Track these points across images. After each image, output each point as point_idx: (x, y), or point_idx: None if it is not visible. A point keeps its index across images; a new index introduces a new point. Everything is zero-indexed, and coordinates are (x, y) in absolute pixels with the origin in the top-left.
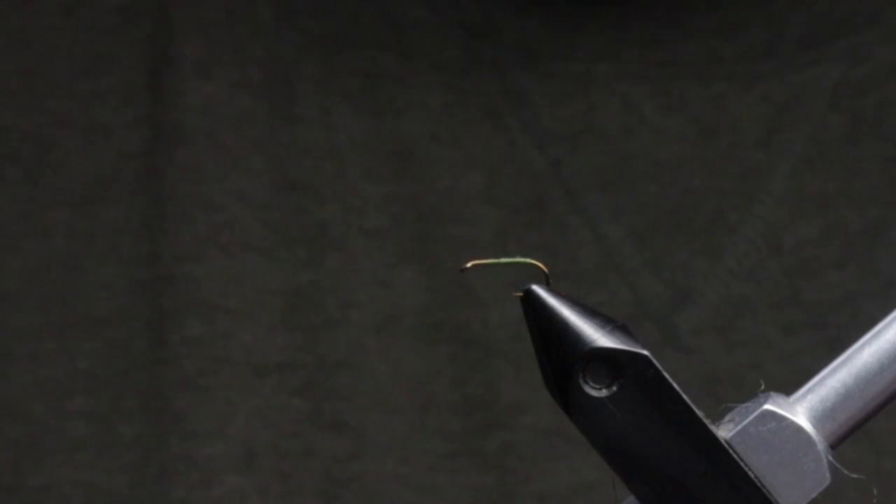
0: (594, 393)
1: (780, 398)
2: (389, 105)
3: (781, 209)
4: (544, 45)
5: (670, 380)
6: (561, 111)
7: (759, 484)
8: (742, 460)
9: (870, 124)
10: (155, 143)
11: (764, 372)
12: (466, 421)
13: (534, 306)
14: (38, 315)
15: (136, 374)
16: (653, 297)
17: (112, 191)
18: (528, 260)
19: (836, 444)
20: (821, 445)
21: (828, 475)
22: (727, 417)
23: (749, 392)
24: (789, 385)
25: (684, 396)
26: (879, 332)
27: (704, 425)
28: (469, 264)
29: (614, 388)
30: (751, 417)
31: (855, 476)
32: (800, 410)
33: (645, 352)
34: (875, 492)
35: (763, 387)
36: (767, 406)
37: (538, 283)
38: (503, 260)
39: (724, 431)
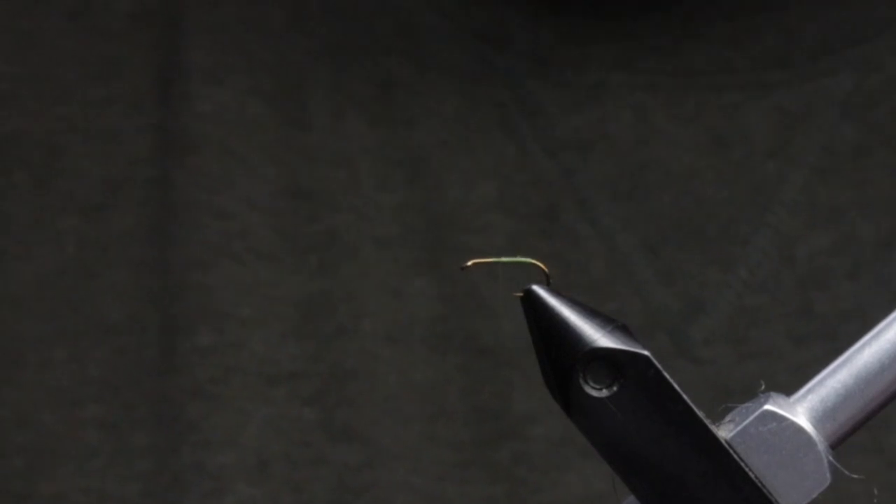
0: (594, 393)
1: (781, 398)
2: (402, 113)
3: (794, 219)
4: (557, 54)
5: (671, 380)
6: (574, 120)
7: (759, 484)
8: (742, 460)
9: (882, 134)
10: (165, 150)
11: (775, 382)
12: (477, 431)
13: (534, 306)
14: (49, 322)
15: (147, 382)
16: (665, 308)
17: (122, 197)
18: (529, 260)
19: (836, 445)
20: (821, 446)
21: (828, 475)
22: (727, 418)
23: None
24: None
25: (684, 397)
26: (879, 332)
27: (705, 425)
28: (470, 262)
29: (615, 389)
30: (751, 418)
31: (856, 476)
32: (800, 411)
33: (645, 352)
34: (875, 492)
35: (763, 387)
36: (768, 406)
37: (538, 283)
38: (504, 259)
39: (724, 432)
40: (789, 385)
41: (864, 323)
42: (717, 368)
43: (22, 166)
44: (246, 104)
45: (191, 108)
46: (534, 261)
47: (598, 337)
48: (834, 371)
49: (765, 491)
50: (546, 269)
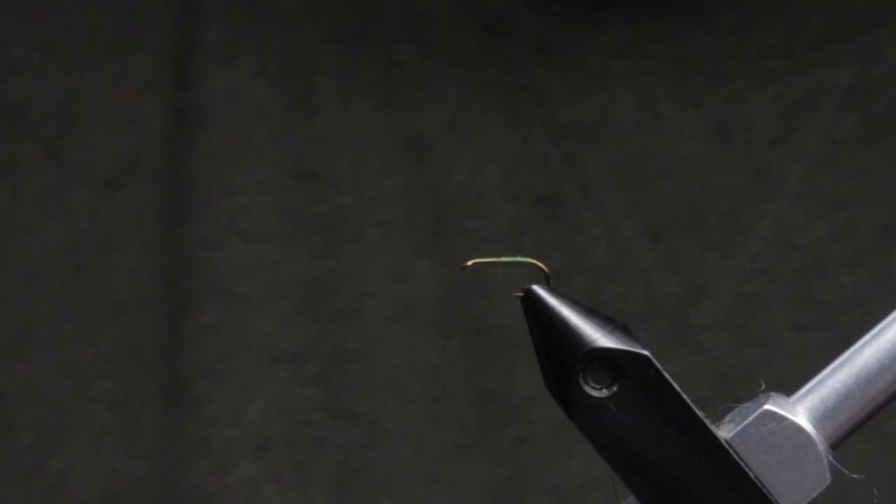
0: (594, 393)
1: (781, 398)
2: (407, 97)
3: (795, 208)
4: (562, 40)
5: (670, 380)
6: (577, 106)
7: (759, 484)
8: (742, 460)
9: (884, 124)
10: (178, 128)
11: (776, 370)
12: (480, 413)
13: (534, 306)
14: (60, 297)
15: (156, 360)
16: (666, 294)
17: (135, 174)
18: (529, 260)
19: (836, 445)
20: (821, 445)
21: (828, 475)
22: (727, 418)
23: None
24: (800, 384)
25: (684, 396)
26: (879, 332)
27: (705, 425)
28: (469, 262)
29: (615, 389)
30: (751, 418)
31: (856, 476)
32: (800, 411)
33: (645, 352)
34: (875, 492)
35: (763, 387)
36: (768, 406)
37: (538, 283)
38: (504, 259)
39: (724, 431)
40: (789, 373)
41: (864, 312)
42: (717, 355)
43: (33, 136)
44: (254, 86)
45: (203, 86)
46: (534, 261)
47: (598, 337)
48: (834, 371)
49: (765, 491)
50: (546, 269)
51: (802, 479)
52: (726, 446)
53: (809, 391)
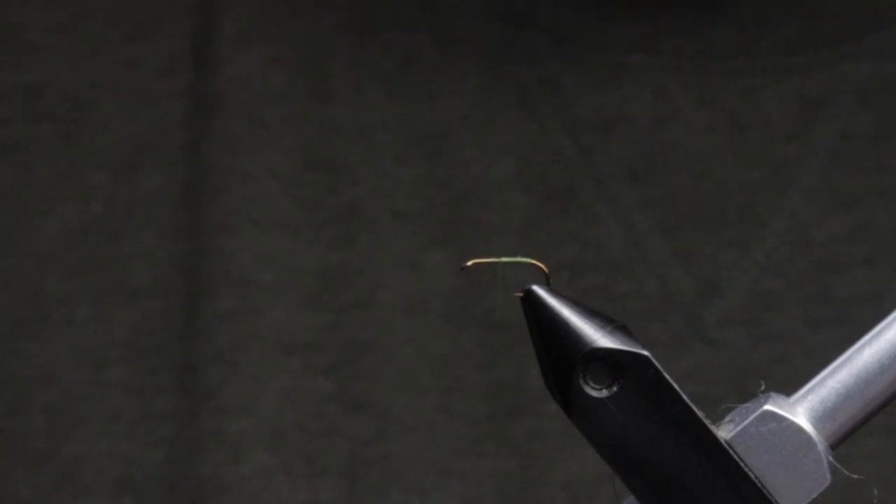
0: (594, 393)
1: (781, 398)
2: (422, 88)
3: (811, 204)
4: (579, 33)
5: (670, 380)
6: (593, 100)
7: (759, 484)
8: (742, 461)
9: None
10: (195, 113)
11: (790, 366)
12: (493, 405)
13: (534, 306)
14: (74, 281)
15: (172, 346)
16: (680, 289)
17: (152, 158)
18: (529, 260)
19: (836, 445)
20: (821, 446)
21: (828, 475)
22: (727, 418)
23: (775, 386)
24: None
25: (684, 397)
26: (879, 332)
27: (704, 426)
28: (469, 263)
29: (614, 389)
30: (751, 418)
31: (856, 476)
32: (800, 411)
33: (645, 352)
34: (875, 492)
35: (763, 387)
36: (767, 406)
37: (538, 283)
38: (504, 259)
39: (724, 432)
40: (804, 369)
41: (880, 308)
42: (731, 351)
43: (49, 119)
44: (270, 73)
45: (220, 72)
46: (534, 261)
47: (598, 337)
48: (834, 371)
49: (765, 491)
50: (546, 270)
51: (802, 480)
52: (726, 446)
53: (809, 391)
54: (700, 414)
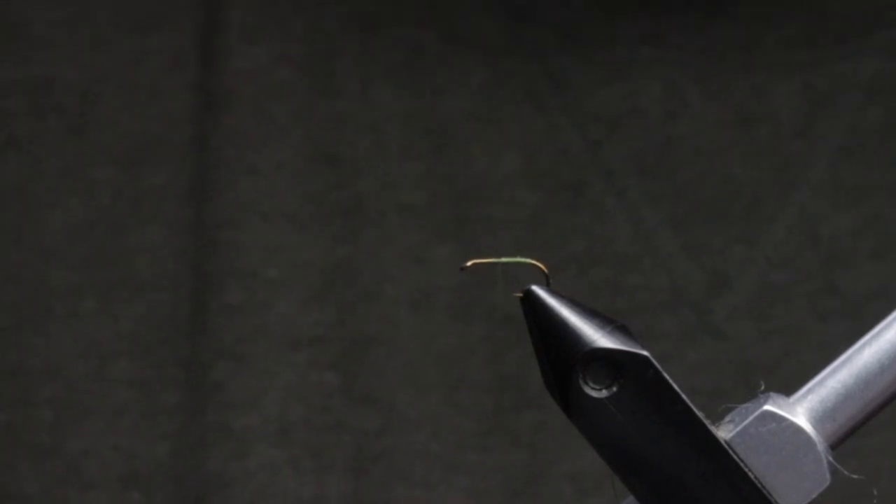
0: (594, 394)
1: (780, 399)
2: (429, 83)
3: (819, 199)
4: (587, 28)
5: (670, 380)
6: (602, 94)
7: (759, 484)
8: (742, 461)
9: None
10: (203, 108)
11: (798, 360)
12: (499, 399)
13: (534, 307)
14: (80, 274)
15: (178, 340)
16: (689, 283)
17: (159, 152)
18: (529, 260)
19: (836, 445)
20: (821, 446)
21: (828, 476)
22: (727, 418)
23: (783, 379)
24: None
25: (684, 397)
26: (879, 332)
27: (704, 426)
28: (469, 263)
29: (614, 389)
30: (751, 418)
31: (856, 477)
32: (800, 411)
33: (645, 352)
34: (875, 492)
35: (763, 387)
36: (767, 407)
37: (538, 283)
38: (504, 259)
39: (723, 432)
40: (812, 362)
41: (887, 302)
42: (740, 344)
43: (56, 113)
44: (277, 68)
45: (228, 66)
46: (534, 261)
47: (598, 337)
48: (834, 371)
49: (764, 491)
50: (546, 270)
51: (802, 480)
52: (726, 447)
53: (809, 391)
54: (700, 414)
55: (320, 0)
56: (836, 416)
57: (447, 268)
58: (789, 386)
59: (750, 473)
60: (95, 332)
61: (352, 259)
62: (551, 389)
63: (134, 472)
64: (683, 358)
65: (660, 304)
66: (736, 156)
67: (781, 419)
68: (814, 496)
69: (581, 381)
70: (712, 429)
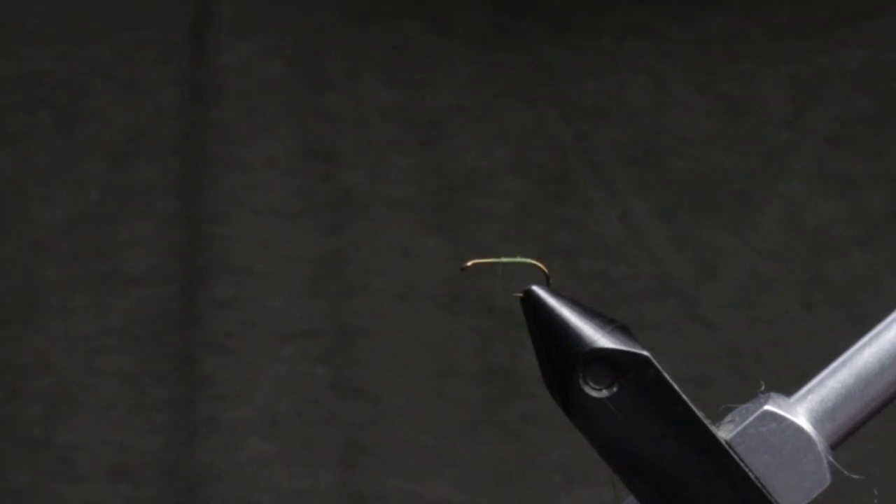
0: (594, 394)
1: (781, 399)
2: (418, 76)
3: (807, 188)
4: (574, 19)
5: (670, 380)
6: (589, 86)
7: (759, 484)
8: (742, 461)
9: (895, 106)
10: (192, 102)
11: (786, 348)
12: (487, 390)
13: (534, 307)
14: (70, 268)
15: (168, 334)
16: (677, 273)
17: (148, 147)
18: (529, 260)
19: (836, 445)
20: (821, 446)
21: (828, 476)
22: (727, 418)
23: (771, 369)
24: (812, 362)
25: (684, 397)
26: (879, 332)
27: (704, 426)
28: (469, 263)
29: (614, 389)
30: (751, 418)
31: (856, 477)
32: (800, 411)
33: (645, 352)
34: (875, 492)
35: (763, 387)
36: (768, 407)
37: (538, 283)
38: (504, 259)
39: (724, 432)
40: (800, 351)
41: (875, 291)
42: (728, 333)
43: (45, 106)
44: (266, 62)
45: (217, 61)
46: (533, 261)
47: (598, 337)
48: (834, 371)
49: (765, 491)
50: (546, 270)
51: (802, 480)
52: (726, 447)
53: (809, 391)
54: (700, 414)
55: None
56: (837, 416)
57: (435, 260)
58: (777, 375)
59: (750, 473)
60: (86, 326)
61: (341, 252)
62: (551, 389)
63: (125, 465)
64: (671, 347)
65: (647, 294)
66: (723, 146)
67: (782, 419)
68: (814, 496)
69: (581, 381)
70: (713, 429)
